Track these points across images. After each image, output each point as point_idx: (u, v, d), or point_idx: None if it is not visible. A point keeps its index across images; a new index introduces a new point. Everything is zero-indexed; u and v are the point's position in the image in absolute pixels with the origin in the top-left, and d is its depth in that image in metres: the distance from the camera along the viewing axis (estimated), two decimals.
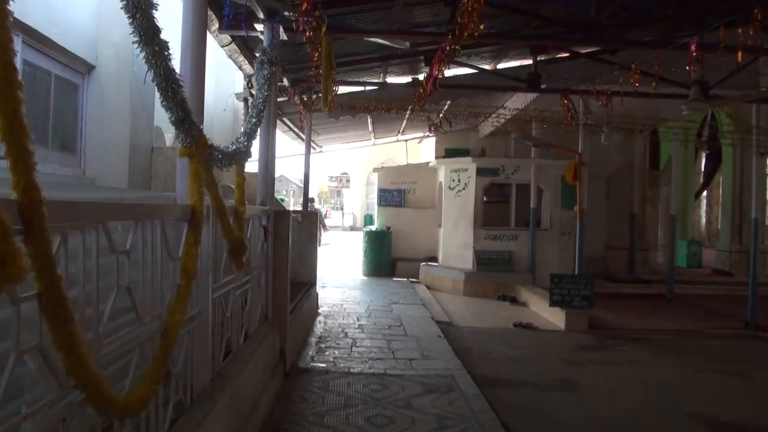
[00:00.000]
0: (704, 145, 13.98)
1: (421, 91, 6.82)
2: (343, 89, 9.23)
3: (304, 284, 8.26)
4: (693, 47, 5.06)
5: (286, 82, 7.39)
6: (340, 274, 14.17)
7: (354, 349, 6.82)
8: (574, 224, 12.72)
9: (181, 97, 2.63)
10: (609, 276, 13.76)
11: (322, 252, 20.34)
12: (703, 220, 28.19)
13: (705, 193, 23.74)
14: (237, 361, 3.76)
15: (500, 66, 9.08)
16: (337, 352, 6.62)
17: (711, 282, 14.05)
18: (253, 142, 4.17)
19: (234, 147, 3.73)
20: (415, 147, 22.12)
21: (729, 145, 15.02)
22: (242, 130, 4.22)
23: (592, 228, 11.72)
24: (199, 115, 3.16)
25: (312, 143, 15.42)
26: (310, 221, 9.13)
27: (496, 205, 13.29)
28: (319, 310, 9.10)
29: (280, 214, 5.53)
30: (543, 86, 7.69)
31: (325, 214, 42.42)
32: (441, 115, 9.22)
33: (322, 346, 6.88)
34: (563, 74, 8.00)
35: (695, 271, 15.87)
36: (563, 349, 7.86)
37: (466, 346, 7.55)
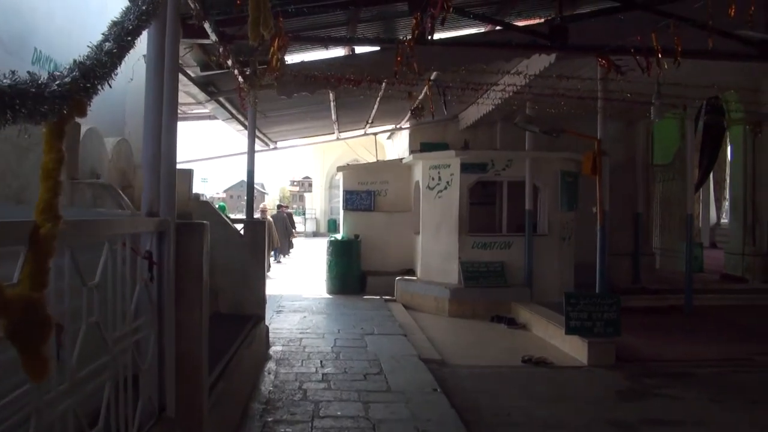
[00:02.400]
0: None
1: (408, 45, 4.71)
2: (297, 57, 7.04)
3: (248, 319, 6.02)
4: None
5: (211, 34, 5.09)
6: (300, 291, 11.93)
7: (316, 422, 4.62)
8: (574, 228, 10.94)
9: None
10: (612, 287, 11.84)
11: (285, 263, 18.10)
12: None
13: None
14: None
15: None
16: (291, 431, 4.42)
17: (725, 290, 12.29)
18: (99, 84, 1.95)
19: (14, 78, 1.52)
20: (384, 146, 19.94)
21: (738, 134, 13.35)
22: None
23: (590, 231, 9.83)
24: None
25: (263, 137, 13.10)
26: (255, 233, 6.82)
27: (484, 208, 11.33)
28: (271, 351, 6.85)
29: (188, 228, 3.30)
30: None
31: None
32: (430, 83, 7.02)
33: (269, 419, 4.64)
34: (593, 33, 5.97)
35: (702, 276, 14.11)
36: (598, 400, 5.86)
37: (473, 402, 5.44)
